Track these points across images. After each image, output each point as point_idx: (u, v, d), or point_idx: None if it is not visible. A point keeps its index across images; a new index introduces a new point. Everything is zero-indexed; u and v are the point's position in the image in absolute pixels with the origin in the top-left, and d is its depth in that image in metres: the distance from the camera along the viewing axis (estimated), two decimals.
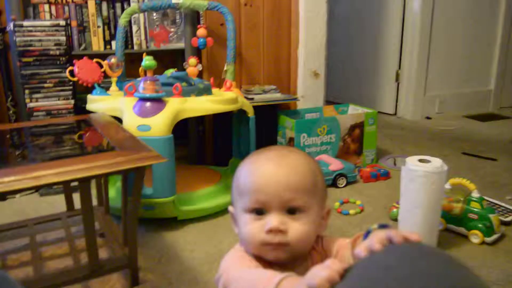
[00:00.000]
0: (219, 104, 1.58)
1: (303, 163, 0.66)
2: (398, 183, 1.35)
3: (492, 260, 1.29)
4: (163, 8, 1.90)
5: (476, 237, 1.37)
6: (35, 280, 1.08)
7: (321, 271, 0.48)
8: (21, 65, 1.73)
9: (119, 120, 1.47)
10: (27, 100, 1.75)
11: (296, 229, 0.63)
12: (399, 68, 3.12)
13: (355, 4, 3.37)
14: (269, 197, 0.63)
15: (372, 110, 2.14)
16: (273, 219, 0.62)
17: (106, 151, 1.15)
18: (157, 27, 2.07)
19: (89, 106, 1.60)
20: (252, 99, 1.97)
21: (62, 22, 1.77)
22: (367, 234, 0.57)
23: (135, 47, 2.03)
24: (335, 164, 1.87)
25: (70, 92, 1.80)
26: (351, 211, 1.61)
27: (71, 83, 1.77)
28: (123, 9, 1.96)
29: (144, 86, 1.47)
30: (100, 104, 1.56)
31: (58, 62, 1.77)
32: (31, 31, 1.72)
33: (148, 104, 1.46)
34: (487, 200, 1.47)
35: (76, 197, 1.42)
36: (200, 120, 2.09)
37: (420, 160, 1.28)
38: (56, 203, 1.68)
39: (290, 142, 1.96)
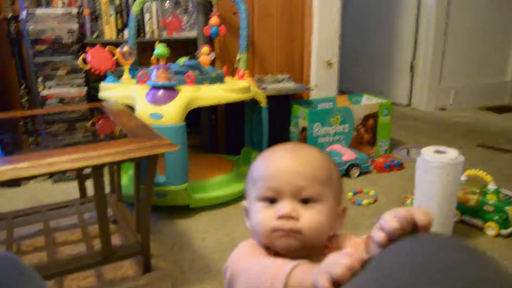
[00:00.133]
0: (231, 93, 1.57)
1: (318, 157, 0.65)
2: (412, 174, 1.33)
3: (507, 253, 1.27)
4: None
5: (492, 229, 1.35)
6: (48, 266, 1.09)
7: (340, 259, 0.45)
8: (34, 53, 1.73)
9: (132, 108, 1.47)
10: (40, 88, 1.76)
11: (308, 216, 0.61)
12: (414, 58, 3.08)
13: None
14: (281, 184, 0.62)
15: (387, 101, 2.11)
16: (285, 205, 0.61)
17: (118, 138, 1.15)
18: (170, 16, 2.05)
19: (102, 94, 1.60)
20: (264, 88, 1.95)
21: (75, 10, 1.77)
22: None
23: (147, 36, 2.02)
24: (348, 154, 1.85)
25: (83, 80, 1.80)
26: (364, 201, 1.60)
27: (83, 71, 1.78)
28: None
29: (157, 74, 1.46)
30: (112, 92, 1.56)
31: (70, 50, 1.77)
32: (44, 19, 1.72)
33: (160, 92, 1.46)
34: (503, 193, 1.45)
35: (89, 184, 1.43)
36: (212, 109, 2.08)
37: (436, 151, 1.26)
38: (69, 190, 1.69)
39: (303, 131, 1.95)
